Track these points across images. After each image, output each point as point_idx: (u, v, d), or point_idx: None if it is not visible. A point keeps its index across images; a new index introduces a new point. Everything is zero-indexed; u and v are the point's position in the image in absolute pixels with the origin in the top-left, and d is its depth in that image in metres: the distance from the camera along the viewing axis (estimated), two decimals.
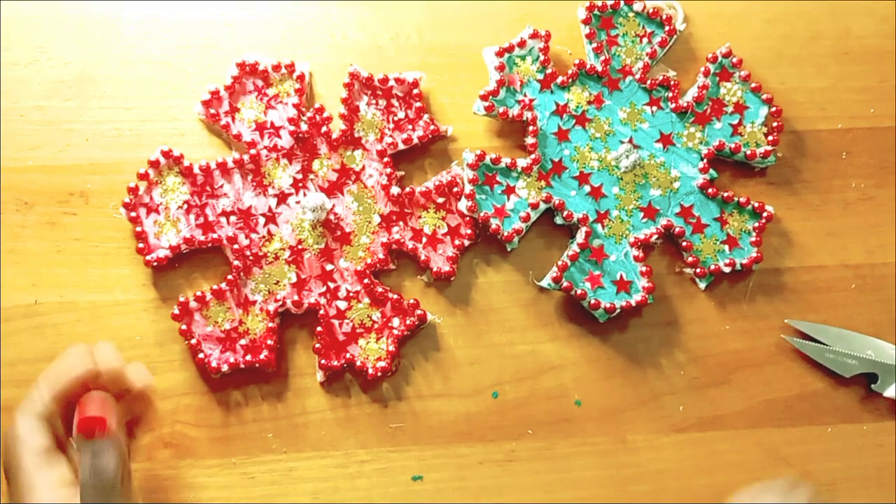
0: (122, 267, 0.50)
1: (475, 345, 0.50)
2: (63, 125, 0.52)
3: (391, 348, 0.48)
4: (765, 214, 0.50)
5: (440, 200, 0.49)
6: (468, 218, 0.49)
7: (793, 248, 0.51)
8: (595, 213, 0.50)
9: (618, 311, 0.48)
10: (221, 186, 0.49)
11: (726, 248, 0.50)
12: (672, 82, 0.51)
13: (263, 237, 0.48)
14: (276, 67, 0.50)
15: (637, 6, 0.52)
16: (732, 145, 0.50)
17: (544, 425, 0.49)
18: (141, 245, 0.48)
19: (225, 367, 0.47)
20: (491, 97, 0.50)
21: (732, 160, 0.51)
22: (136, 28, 0.53)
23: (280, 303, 0.48)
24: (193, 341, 0.47)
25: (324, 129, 0.49)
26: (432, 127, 0.50)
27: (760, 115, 0.51)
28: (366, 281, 0.48)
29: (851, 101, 0.54)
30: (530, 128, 0.50)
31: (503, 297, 0.50)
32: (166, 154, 0.48)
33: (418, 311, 0.48)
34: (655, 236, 0.50)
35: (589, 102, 0.51)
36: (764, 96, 0.51)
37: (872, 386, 0.48)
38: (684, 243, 0.50)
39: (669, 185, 0.50)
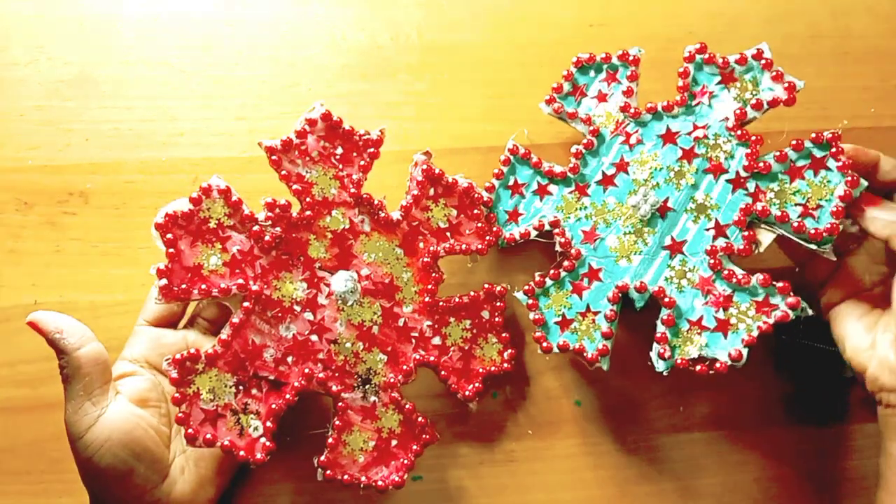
0: (122, 267, 0.50)
1: None
2: (63, 125, 0.52)
3: (504, 335, 0.47)
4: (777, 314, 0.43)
5: (432, 193, 0.47)
6: (467, 186, 0.47)
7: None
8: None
9: (569, 350, 0.45)
10: (253, 342, 0.43)
11: (721, 335, 0.44)
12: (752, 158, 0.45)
13: (330, 350, 0.45)
14: (196, 201, 0.43)
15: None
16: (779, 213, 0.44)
17: (544, 425, 0.49)
18: (242, 454, 0.42)
19: (406, 476, 0.44)
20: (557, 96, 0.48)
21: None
22: (136, 28, 0.53)
23: (395, 386, 0.45)
24: (363, 479, 0.44)
25: (294, 214, 0.44)
26: (373, 138, 0.46)
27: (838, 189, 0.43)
28: (441, 304, 0.46)
29: (852, 100, 0.54)
30: (584, 140, 0.47)
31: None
32: (181, 363, 0.41)
33: (498, 289, 0.47)
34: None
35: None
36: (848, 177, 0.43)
37: None
38: (665, 315, 0.44)
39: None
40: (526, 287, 0.47)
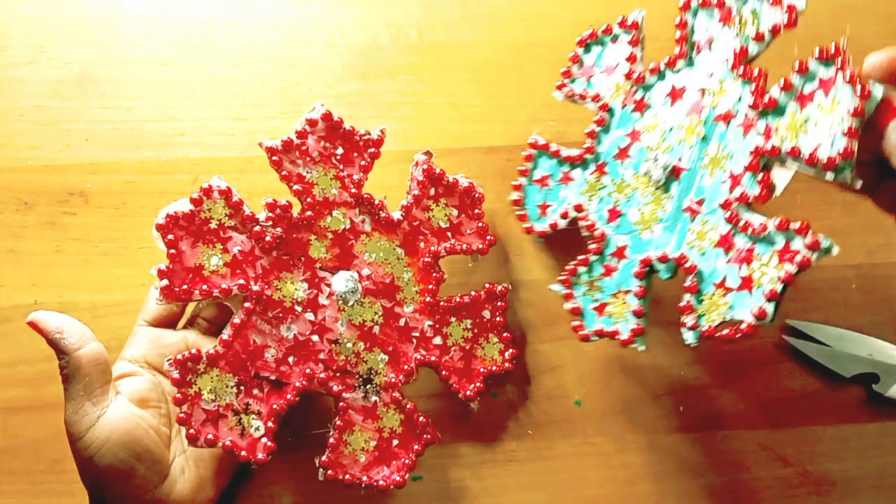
0: (122, 267, 0.50)
1: None
2: (63, 125, 0.52)
3: (505, 334, 0.47)
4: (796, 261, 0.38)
5: (432, 193, 0.47)
6: (467, 186, 0.47)
7: None
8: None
9: (604, 335, 0.45)
10: (255, 342, 0.43)
11: (746, 294, 0.39)
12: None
13: (331, 350, 0.44)
14: (197, 201, 0.42)
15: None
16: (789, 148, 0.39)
17: (544, 425, 0.49)
18: (244, 454, 0.42)
19: (407, 476, 0.44)
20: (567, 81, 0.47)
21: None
22: (136, 28, 0.53)
23: (396, 386, 0.45)
24: (364, 479, 0.44)
25: (294, 215, 0.44)
26: (374, 138, 0.46)
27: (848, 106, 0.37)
28: (442, 304, 0.46)
29: None
30: (596, 117, 0.46)
31: None
32: (182, 363, 0.41)
33: (499, 288, 0.47)
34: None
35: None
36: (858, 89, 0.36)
37: (874, 386, 0.48)
38: (688, 282, 0.42)
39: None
40: (561, 277, 0.46)
